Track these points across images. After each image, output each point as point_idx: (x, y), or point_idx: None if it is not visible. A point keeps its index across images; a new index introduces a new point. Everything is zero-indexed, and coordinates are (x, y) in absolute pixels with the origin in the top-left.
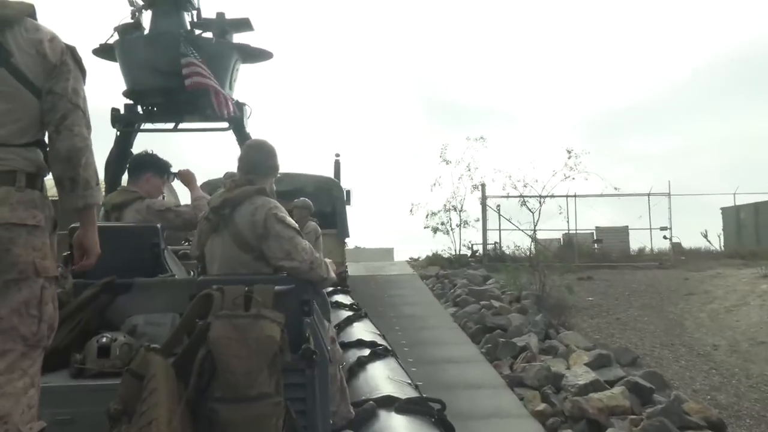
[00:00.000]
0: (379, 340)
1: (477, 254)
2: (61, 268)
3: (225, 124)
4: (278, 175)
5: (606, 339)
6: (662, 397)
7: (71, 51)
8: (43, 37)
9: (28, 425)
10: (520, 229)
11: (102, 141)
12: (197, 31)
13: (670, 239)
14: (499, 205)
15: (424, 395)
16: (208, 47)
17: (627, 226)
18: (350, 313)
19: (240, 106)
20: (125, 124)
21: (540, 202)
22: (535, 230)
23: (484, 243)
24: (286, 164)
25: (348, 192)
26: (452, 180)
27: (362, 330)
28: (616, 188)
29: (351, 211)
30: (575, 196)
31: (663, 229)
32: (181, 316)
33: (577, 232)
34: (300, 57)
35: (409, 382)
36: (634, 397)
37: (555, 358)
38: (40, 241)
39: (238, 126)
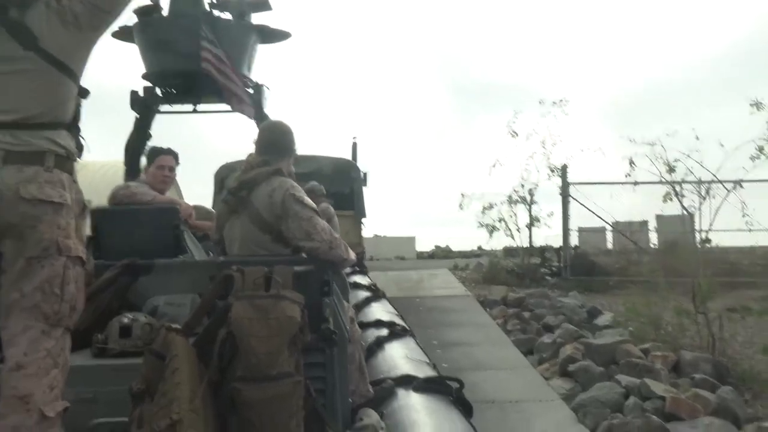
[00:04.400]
0: (398, 321)
1: (550, 262)
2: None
3: None
4: (296, 156)
5: None
6: None
7: None
8: (64, 7)
9: (50, 405)
10: (623, 235)
11: (121, 123)
12: (216, 12)
13: None
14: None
15: (442, 374)
16: (227, 28)
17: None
18: (368, 294)
19: (258, 88)
20: (144, 106)
21: (701, 194)
22: (707, 233)
23: (565, 250)
24: (305, 146)
25: (365, 174)
26: (521, 160)
27: (380, 310)
28: None
29: (368, 194)
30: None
31: None
32: (201, 297)
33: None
34: (319, 37)
35: (427, 361)
36: None
37: None
38: (65, 220)
39: (256, 107)
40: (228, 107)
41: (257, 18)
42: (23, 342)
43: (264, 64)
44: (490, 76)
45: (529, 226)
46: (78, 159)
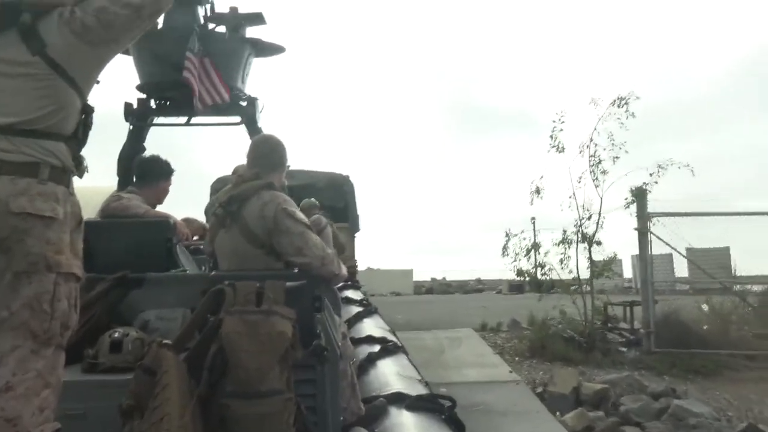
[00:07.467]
0: (389, 336)
1: (615, 326)
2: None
3: (237, 119)
4: (289, 170)
5: None
6: None
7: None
8: (76, 19)
9: (40, 428)
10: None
11: (115, 136)
12: (210, 25)
13: None
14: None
15: (434, 392)
16: (222, 41)
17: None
18: (360, 309)
19: (252, 101)
20: (138, 118)
21: None
22: None
23: (647, 309)
24: (298, 162)
25: (357, 216)
26: (572, 181)
27: (372, 326)
28: None
29: (359, 235)
30: None
31: None
32: (192, 311)
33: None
34: (315, 60)
35: (419, 378)
36: None
37: None
38: (56, 235)
39: (249, 121)
40: (221, 120)
41: (252, 32)
42: (11, 362)
43: (259, 78)
44: (489, 100)
45: (591, 276)
46: (77, 175)
